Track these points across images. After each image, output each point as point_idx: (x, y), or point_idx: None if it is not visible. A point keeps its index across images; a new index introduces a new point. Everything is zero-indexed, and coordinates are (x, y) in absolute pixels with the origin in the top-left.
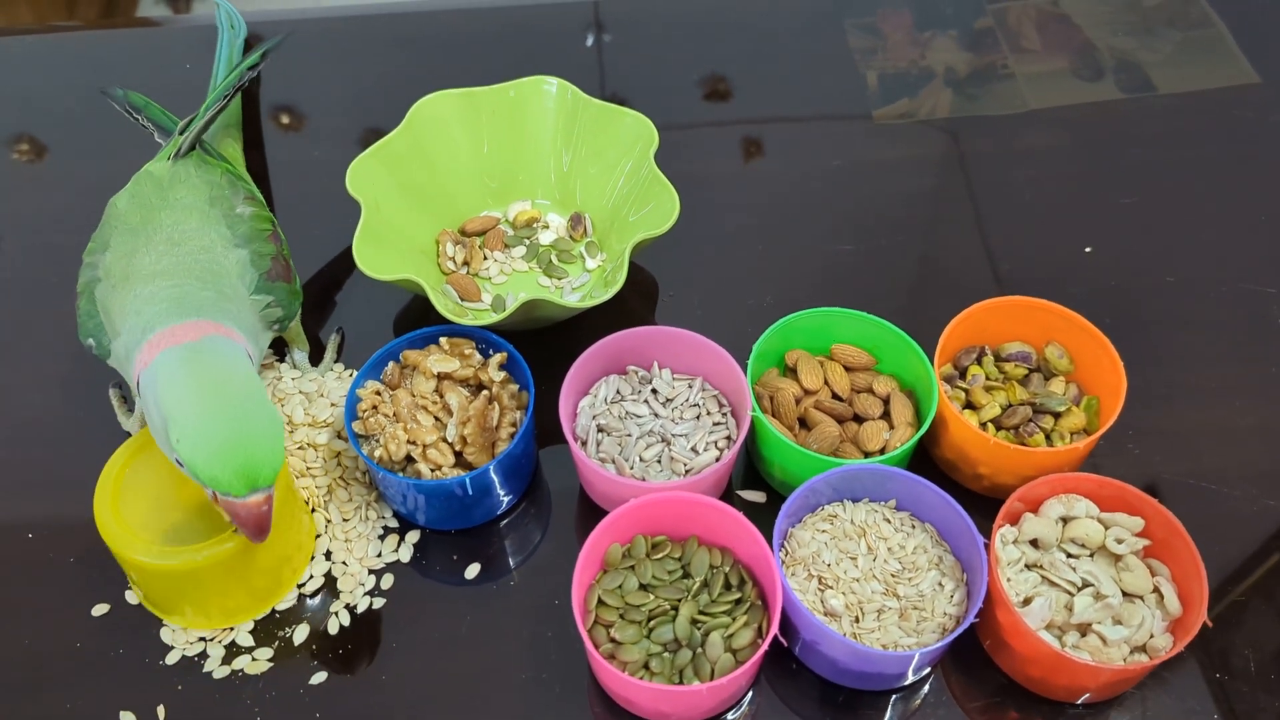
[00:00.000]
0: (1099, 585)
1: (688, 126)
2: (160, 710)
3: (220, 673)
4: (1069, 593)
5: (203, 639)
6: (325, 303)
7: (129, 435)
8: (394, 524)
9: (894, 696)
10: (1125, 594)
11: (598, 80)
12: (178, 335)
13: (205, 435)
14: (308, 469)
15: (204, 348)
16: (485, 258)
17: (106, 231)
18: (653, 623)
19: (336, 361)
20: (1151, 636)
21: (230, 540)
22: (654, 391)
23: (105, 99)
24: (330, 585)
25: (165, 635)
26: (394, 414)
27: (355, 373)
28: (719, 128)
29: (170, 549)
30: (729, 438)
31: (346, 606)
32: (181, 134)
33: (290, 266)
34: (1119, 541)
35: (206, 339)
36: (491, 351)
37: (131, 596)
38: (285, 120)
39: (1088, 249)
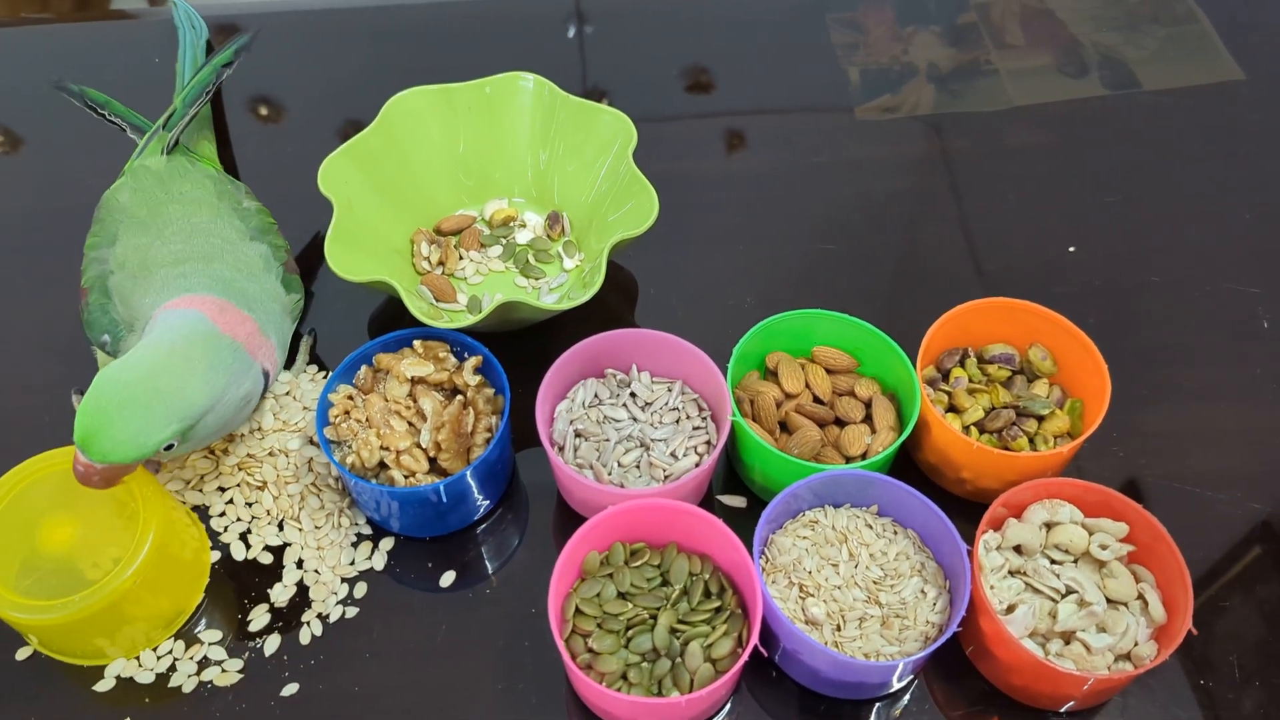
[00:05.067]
0: (1083, 592)
1: (669, 122)
2: None
3: (189, 685)
4: (1053, 599)
5: (171, 652)
6: None
7: None
8: (367, 531)
9: (876, 705)
10: (1109, 601)
11: (579, 73)
12: (219, 315)
13: (103, 383)
14: (279, 475)
15: (221, 347)
16: (461, 257)
17: (110, 225)
18: (631, 632)
19: (309, 364)
20: (1136, 644)
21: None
22: (633, 395)
23: (51, 84)
24: (302, 594)
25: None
26: (366, 419)
27: (328, 375)
28: (700, 124)
29: (41, 603)
30: (709, 442)
31: (319, 616)
32: (166, 129)
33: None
34: (1103, 548)
35: (235, 346)
36: (466, 355)
37: None
38: (261, 114)
39: (1071, 248)
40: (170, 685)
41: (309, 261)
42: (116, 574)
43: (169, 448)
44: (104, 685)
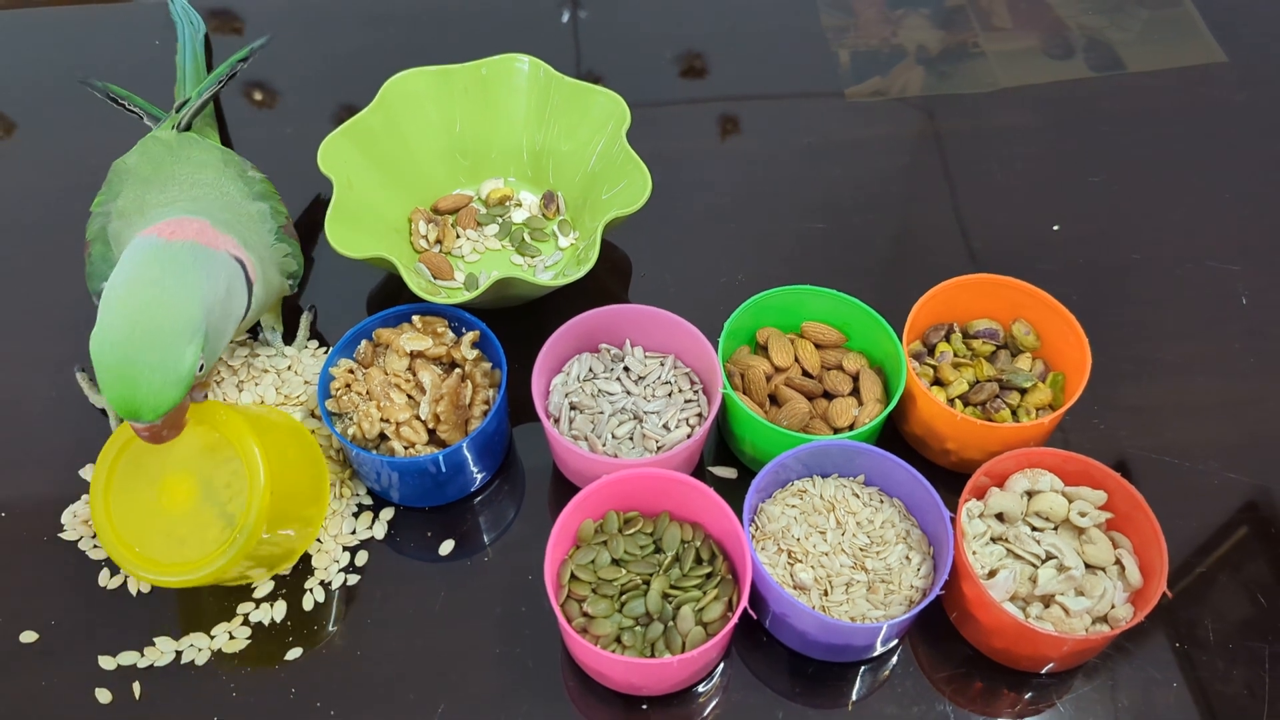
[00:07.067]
0: (1062, 557)
1: (661, 104)
2: (135, 687)
3: (201, 658)
4: (1033, 565)
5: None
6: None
7: (100, 412)
8: (368, 501)
9: (862, 668)
10: (1088, 566)
11: (573, 59)
12: (164, 229)
13: (102, 355)
14: None
15: (174, 252)
16: (458, 236)
17: (116, 185)
18: (625, 597)
19: (310, 339)
20: (1113, 607)
21: (231, 545)
22: (626, 369)
23: (75, 79)
24: (305, 562)
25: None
26: (367, 392)
27: (328, 350)
28: (692, 105)
29: (176, 565)
30: (700, 415)
31: (321, 583)
32: (178, 111)
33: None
34: (1082, 515)
35: (187, 244)
36: (464, 330)
37: (104, 577)
38: (258, 97)
39: (1056, 227)
40: (177, 649)
41: (307, 242)
42: (253, 500)
43: (200, 369)
44: (109, 662)
